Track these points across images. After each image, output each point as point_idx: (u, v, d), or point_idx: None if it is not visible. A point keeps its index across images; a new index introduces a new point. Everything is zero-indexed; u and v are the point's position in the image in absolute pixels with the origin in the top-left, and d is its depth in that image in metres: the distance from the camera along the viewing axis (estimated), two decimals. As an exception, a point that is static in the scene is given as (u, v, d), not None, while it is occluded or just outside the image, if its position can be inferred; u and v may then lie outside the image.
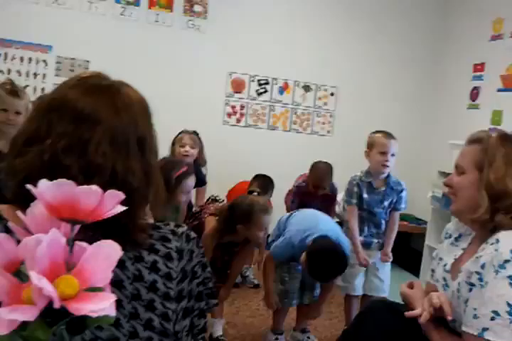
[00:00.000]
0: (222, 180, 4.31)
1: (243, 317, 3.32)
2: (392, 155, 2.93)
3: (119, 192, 0.71)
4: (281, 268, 2.82)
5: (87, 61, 4.68)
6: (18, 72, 4.50)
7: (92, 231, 0.78)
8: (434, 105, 5.55)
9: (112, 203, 0.71)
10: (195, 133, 3.73)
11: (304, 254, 2.58)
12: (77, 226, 0.70)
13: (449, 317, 1.47)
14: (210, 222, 2.73)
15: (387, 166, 2.93)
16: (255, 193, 2.97)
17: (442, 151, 4.77)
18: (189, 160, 3.43)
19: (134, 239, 0.90)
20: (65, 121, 0.88)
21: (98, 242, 0.66)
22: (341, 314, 3.21)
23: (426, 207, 4.62)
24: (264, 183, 3.85)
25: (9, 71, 4.44)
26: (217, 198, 3.26)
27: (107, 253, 0.65)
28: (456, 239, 1.68)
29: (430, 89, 5.58)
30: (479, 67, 4.94)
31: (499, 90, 4.65)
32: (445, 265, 1.65)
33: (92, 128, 0.88)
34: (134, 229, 0.90)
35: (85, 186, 0.68)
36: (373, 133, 3.04)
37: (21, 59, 4.49)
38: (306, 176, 3.72)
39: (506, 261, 1.33)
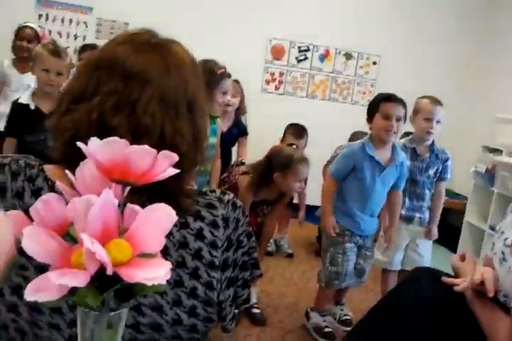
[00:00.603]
0: (260, 147, 4.25)
1: (277, 286, 3.33)
2: (438, 122, 2.79)
3: (173, 154, 0.67)
4: (336, 248, 2.70)
5: (127, 23, 4.63)
6: (59, 33, 4.50)
7: (139, 194, 0.75)
8: (484, 75, 5.29)
9: (164, 165, 0.67)
10: (236, 81, 3.58)
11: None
12: (128, 188, 0.66)
13: (490, 294, 1.41)
14: (243, 181, 2.71)
15: (432, 133, 2.80)
16: (294, 146, 2.93)
17: (488, 125, 4.59)
18: (230, 110, 3.35)
19: (180, 205, 0.86)
20: (114, 79, 0.84)
21: (151, 206, 0.61)
22: (377, 287, 3.16)
23: (467, 183, 4.50)
24: (298, 131, 3.75)
25: (50, 32, 4.42)
26: (243, 161, 3.22)
27: (160, 218, 0.61)
28: None
29: (477, 59, 5.32)
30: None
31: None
32: (506, 239, 1.56)
33: (142, 87, 0.84)
34: (180, 195, 0.87)
35: (138, 146, 0.64)
36: (420, 98, 2.92)
37: (62, 20, 4.48)
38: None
39: None
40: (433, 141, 2.89)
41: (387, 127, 2.54)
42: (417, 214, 2.93)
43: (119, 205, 0.63)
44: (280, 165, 2.62)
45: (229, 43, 4.82)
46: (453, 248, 4.39)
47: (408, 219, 2.91)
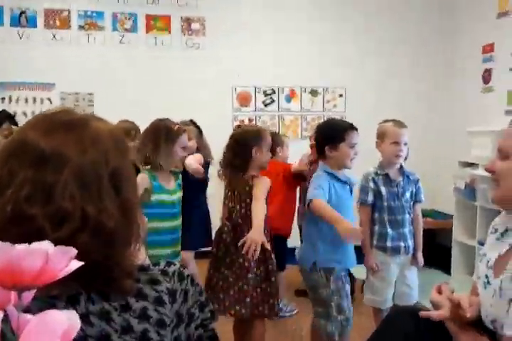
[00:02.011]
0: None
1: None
2: (405, 144, 2.80)
3: (70, 248, 0.66)
4: (340, 295, 2.58)
5: (91, 94, 4.73)
6: (24, 114, 4.57)
7: (69, 284, 0.74)
8: (447, 93, 5.42)
9: (62, 261, 0.66)
10: (191, 121, 3.66)
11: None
12: (28, 293, 0.65)
13: (468, 315, 1.38)
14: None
15: (401, 156, 2.80)
16: None
17: (460, 140, 4.64)
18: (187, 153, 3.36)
19: (119, 286, 0.84)
20: (25, 166, 0.81)
21: (43, 313, 0.60)
22: (372, 325, 3.00)
23: (450, 201, 4.49)
24: None
25: (15, 113, 4.50)
26: None
27: (50, 326, 0.59)
28: (503, 234, 1.55)
29: (441, 77, 5.45)
30: (488, 48, 4.81)
31: (512, 69, 4.51)
32: (488, 261, 1.54)
33: (57, 170, 0.81)
34: (118, 275, 0.83)
35: (24, 247, 0.63)
36: (383, 122, 2.91)
37: (26, 100, 4.56)
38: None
39: None
40: (401, 164, 2.88)
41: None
42: (402, 244, 2.82)
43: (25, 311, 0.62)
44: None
45: (195, 97, 4.91)
46: (446, 269, 4.33)
47: (395, 251, 2.80)
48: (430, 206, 4.83)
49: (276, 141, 3.95)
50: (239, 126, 3.00)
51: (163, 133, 2.64)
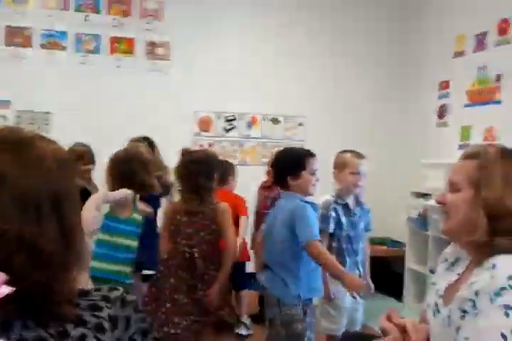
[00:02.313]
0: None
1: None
2: (363, 174, 2.88)
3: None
4: (310, 329, 2.55)
5: (48, 112, 4.64)
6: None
7: (9, 305, 0.70)
8: (404, 126, 5.56)
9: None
10: (145, 138, 3.76)
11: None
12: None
13: (413, 338, 1.38)
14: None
15: (359, 186, 2.85)
16: None
17: (414, 171, 4.75)
18: None
19: (56, 312, 0.80)
20: None
21: None
22: None
23: (403, 230, 4.57)
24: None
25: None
26: None
27: None
28: (453, 264, 1.56)
29: (399, 112, 5.59)
30: (445, 85, 4.99)
31: (466, 106, 4.68)
32: (438, 290, 1.54)
33: None
34: (56, 300, 0.80)
35: None
36: (342, 152, 2.97)
37: (-20, 116, 4.46)
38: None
39: (502, 289, 1.23)
40: (356, 194, 2.93)
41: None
42: (356, 271, 2.88)
43: None
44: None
45: (156, 120, 4.89)
46: (398, 296, 4.38)
47: None
48: (384, 234, 4.89)
49: (229, 170, 3.98)
50: (190, 152, 2.85)
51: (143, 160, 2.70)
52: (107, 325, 0.84)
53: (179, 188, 2.75)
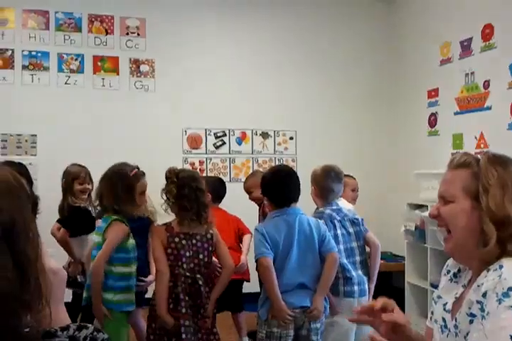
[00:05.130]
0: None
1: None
2: None
3: None
4: None
5: (34, 135, 4.56)
6: (-39, 156, 4.36)
7: None
8: (394, 138, 5.53)
9: None
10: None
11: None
12: None
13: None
14: None
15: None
16: None
17: (408, 183, 4.69)
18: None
19: None
20: None
21: None
22: None
23: (402, 243, 4.50)
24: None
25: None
26: None
27: None
28: (455, 275, 1.51)
29: (389, 122, 5.56)
30: (433, 93, 4.96)
31: (456, 113, 4.65)
32: (445, 304, 1.47)
33: None
34: None
35: None
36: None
37: (-37, 142, 4.37)
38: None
39: (510, 289, 1.19)
40: None
41: None
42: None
43: None
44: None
45: (144, 139, 4.82)
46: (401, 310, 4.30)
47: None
48: (383, 248, 4.81)
49: (222, 187, 3.92)
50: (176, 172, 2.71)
51: (122, 182, 2.62)
52: None
53: (171, 209, 2.63)
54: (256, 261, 2.55)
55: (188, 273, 2.52)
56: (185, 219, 2.55)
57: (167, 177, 2.62)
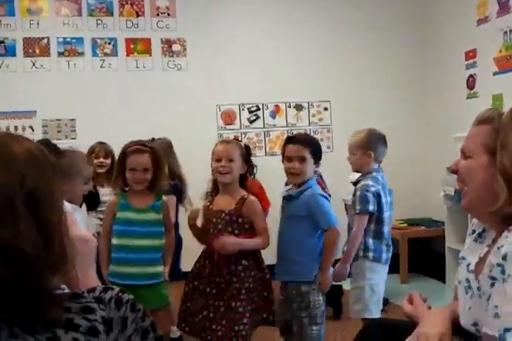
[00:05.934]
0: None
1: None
2: None
3: None
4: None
5: (73, 119, 4.70)
6: (6, 142, 4.53)
7: None
8: (433, 101, 5.39)
9: None
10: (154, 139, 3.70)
11: None
12: None
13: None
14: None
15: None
16: None
17: (448, 147, 4.60)
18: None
19: (44, 317, 0.77)
20: None
21: None
22: None
23: (441, 208, 4.44)
24: None
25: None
26: None
27: None
28: (480, 235, 1.49)
29: (427, 86, 5.42)
30: (471, 54, 4.81)
31: (495, 74, 4.49)
32: (468, 265, 1.47)
33: None
34: (43, 305, 0.77)
35: None
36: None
37: (7, 129, 4.53)
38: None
39: None
40: None
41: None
42: None
43: None
44: None
45: (179, 117, 4.89)
46: (441, 276, 4.28)
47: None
48: (422, 214, 4.77)
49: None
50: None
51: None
52: (100, 327, 0.80)
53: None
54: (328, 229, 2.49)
55: None
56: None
57: None
